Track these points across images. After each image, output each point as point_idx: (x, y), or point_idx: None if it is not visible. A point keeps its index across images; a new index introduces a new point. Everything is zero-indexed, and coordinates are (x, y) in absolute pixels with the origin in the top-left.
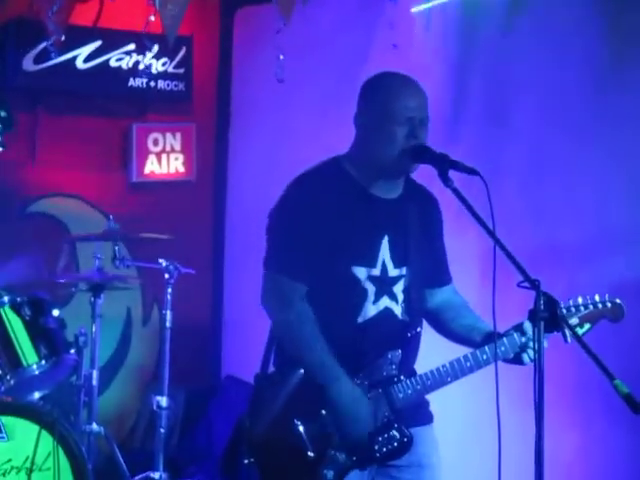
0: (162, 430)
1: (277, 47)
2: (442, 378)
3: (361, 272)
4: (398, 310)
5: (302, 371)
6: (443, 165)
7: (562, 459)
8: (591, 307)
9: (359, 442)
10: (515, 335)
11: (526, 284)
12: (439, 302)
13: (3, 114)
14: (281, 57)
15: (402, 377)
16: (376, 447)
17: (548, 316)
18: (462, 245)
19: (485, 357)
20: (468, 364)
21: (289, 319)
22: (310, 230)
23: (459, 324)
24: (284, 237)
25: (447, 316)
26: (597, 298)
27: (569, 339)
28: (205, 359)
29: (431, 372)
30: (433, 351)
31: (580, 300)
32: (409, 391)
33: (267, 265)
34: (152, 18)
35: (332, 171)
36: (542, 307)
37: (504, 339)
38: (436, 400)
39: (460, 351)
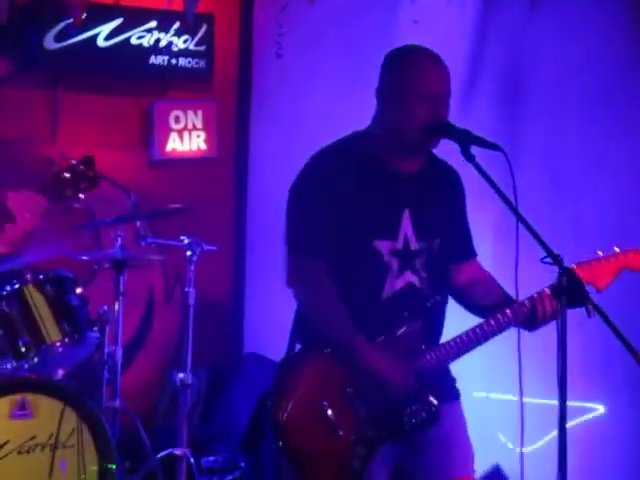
0: (185, 407)
1: (287, 24)
2: (465, 345)
3: (383, 246)
4: (420, 284)
5: (328, 350)
6: (465, 141)
7: (584, 432)
8: (611, 258)
9: (395, 401)
10: (536, 296)
11: (549, 259)
12: (465, 277)
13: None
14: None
15: (423, 347)
16: (405, 419)
17: (571, 291)
18: (481, 220)
19: (507, 319)
20: (490, 328)
21: (313, 297)
22: (329, 205)
23: (486, 297)
24: (303, 215)
25: (473, 291)
26: (617, 249)
27: (591, 314)
28: (227, 336)
29: (453, 340)
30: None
31: (600, 253)
32: (432, 361)
33: (288, 245)
34: None
35: (351, 145)
36: (565, 282)
37: (526, 301)
38: (459, 376)
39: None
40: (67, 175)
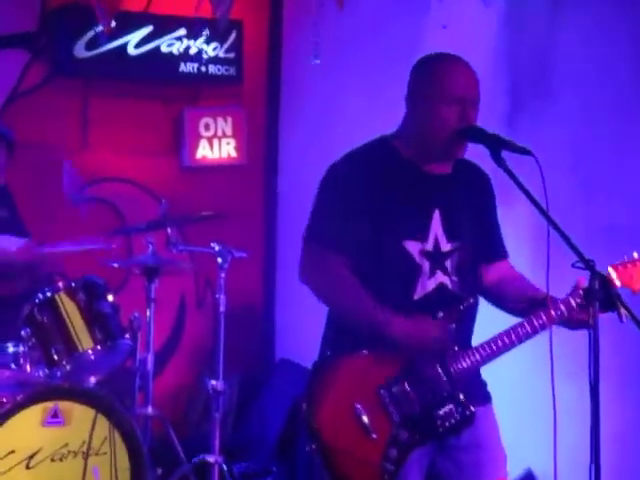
0: (217, 414)
1: (314, 31)
2: (498, 348)
3: (413, 247)
4: (452, 285)
5: (364, 352)
6: (495, 145)
7: (618, 433)
8: None
9: (430, 389)
10: (570, 299)
11: (581, 264)
12: (495, 278)
13: None
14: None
15: (456, 349)
16: (438, 422)
17: (603, 296)
18: (513, 225)
19: (540, 322)
20: (524, 331)
21: (330, 287)
22: (355, 204)
23: (517, 295)
24: (327, 209)
25: (505, 290)
26: None
27: (624, 319)
28: (259, 343)
29: (487, 343)
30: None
31: (635, 255)
32: (465, 363)
33: (306, 237)
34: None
35: (380, 148)
36: (597, 287)
37: (560, 303)
38: (490, 378)
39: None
40: None
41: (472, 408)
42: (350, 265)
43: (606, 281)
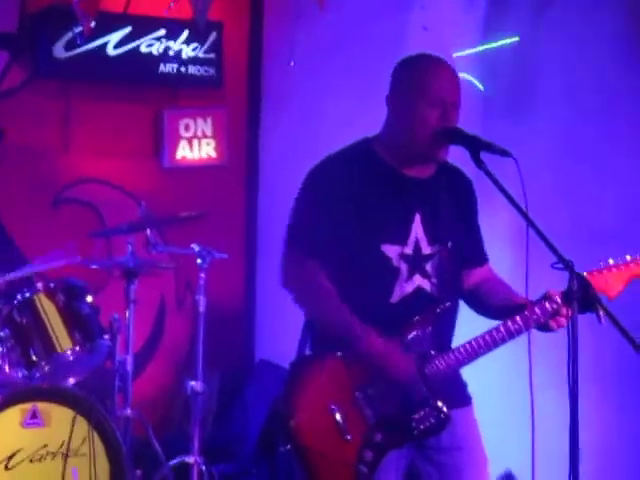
0: (197, 415)
1: (292, 33)
2: (475, 351)
3: (392, 250)
4: (431, 288)
5: (339, 354)
6: (475, 147)
7: (596, 434)
8: (622, 266)
9: (408, 382)
10: (546, 303)
11: (560, 265)
12: (476, 282)
13: None
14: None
15: (433, 353)
16: (413, 424)
17: (582, 296)
18: (494, 226)
19: (517, 327)
20: (500, 335)
21: (308, 295)
22: (334, 208)
23: (496, 300)
24: (303, 215)
25: (484, 294)
26: (628, 258)
27: (603, 320)
28: (238, 343)
29: (463, 346)
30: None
31: (611, 261)
32: (442, 366)
33: (285, 244)
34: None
35: (360, 151)
36: (576, 288)
37: (535, 307)
38: (472, 380)
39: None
40: None
41: (447, 411)
42: (328, 269)
43: (585, 282)
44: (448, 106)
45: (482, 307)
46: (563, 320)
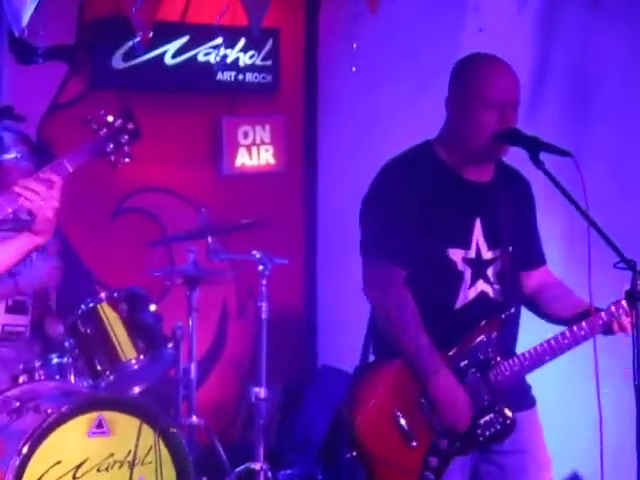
0: (261, 421)
1: (350, 38)
2: (540, 357)
3: (456, 254)
4: (493, 293)
5: (403, 360)
6: (534, 147)
7: None
8: None
9: (460, 431)
10: (613, 308)
11: (622, 264)
12: (535, 284)
13: (131, 126)
14: (354, 46)
15: (498, 359)
16: (478, 431)
17: None
18: (550, 227)
19: (583, 332)
20: (566, 341)
21: (389, 304)
22: (404, 213)
23: (559, 304)
24: (380, 221)
25: (545, 297)
26: None
27: None
28: (301, 349)
29: (528, 352)
30: (531, 331)
31: None
32: (507, 373)
33: (365, 251)
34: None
35: (423, 155)
36: (639, 287)
37: (602, 313)
38: (536, 382)
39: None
40: (104, 131)
41: (513, 417)
42: (405, 277)
43: None
44: (507, 107)
45: (545, 312)
46: (627, 325)
